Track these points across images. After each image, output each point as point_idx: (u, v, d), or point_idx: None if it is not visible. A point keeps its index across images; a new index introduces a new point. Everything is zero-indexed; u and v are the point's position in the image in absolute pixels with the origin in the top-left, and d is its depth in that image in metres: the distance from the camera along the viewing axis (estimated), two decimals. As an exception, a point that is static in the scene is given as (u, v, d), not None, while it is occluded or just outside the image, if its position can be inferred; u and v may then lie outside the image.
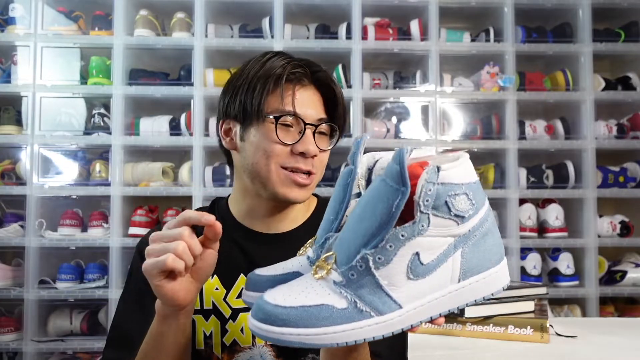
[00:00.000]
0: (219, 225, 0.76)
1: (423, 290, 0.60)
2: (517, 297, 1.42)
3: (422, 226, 0.58)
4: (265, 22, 2.57)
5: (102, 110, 2.53)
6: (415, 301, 0.60)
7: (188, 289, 0.77)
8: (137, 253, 1.01)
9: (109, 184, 2.46)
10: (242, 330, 0.96)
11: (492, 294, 0.63)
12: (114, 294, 2.37)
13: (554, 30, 2.70)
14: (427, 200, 0.58)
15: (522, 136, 2.60)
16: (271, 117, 0.92)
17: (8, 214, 2.51)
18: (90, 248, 2.47)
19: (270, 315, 0.60)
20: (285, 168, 0.92)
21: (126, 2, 2.52)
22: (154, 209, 2.54)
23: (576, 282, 2.55)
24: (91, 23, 2.60)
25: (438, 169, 0.58)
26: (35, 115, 2.46)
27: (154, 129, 2.54)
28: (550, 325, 1.37)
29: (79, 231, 2.49)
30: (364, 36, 2.57)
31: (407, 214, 0.59)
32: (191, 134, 2.50)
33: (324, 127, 0.96)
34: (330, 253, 0.63)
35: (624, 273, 2.56)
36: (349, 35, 2.56)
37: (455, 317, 1.39)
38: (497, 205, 2.60)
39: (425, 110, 2.62)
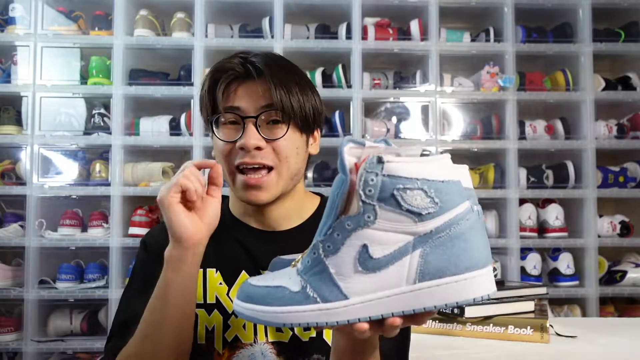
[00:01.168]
0: (219, 166, 0.88)
1: (373, 286, 0.59)
2: (517, 297, 1.42)
3: (369, 217, 0.58)
4: (265, 22, 2.57)
5: (102, 110, 2.53)
6: (363, 295, 0.59)
7: (198, 226, 0.84)
8: (142, 247, 1.02)
9: (109, 184, 2.46)
10: (244, 326, 0.97)
11: (456, 303, 0.59)
12: (114, 294, 2.37)
13: (554, 30, 2.70)
14: (369, 190, 0.57)
15: (522, 136, 2.60)
16: (210, 118, 0.94)
17: (8, 214, 2.51)
18: (90, 248, 2.47)
19: (243, 292, 0.65)
20: (238, 168, 0.92)
21: (126, 2, 2.52)
22: (154, 209, 2.54)
23: (576, 282, 2.55)
24: (91, 23, 2.60)
25: (380, 159, 0.57)
26: (35, 115, 2.46)
27: (154, 129, 2.54)
28: (550, 325, 1.37)
29: (79, 231, 2.49)
30: (364, 36, 2.57)
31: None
32: (191, 134, 2.50)
33: (273, 116, 0.92)
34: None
35: (624, 273, 2.56)
36: (349, 35, 2.56)
37: (455, 317, 1.39)
38: (497, 205, 2.60)
39: (425, 110, 2.62)
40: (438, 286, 0.58)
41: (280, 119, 0.92)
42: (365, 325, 0.60)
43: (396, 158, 0.58)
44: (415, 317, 0.61)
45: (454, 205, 0.59)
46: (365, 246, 0.59)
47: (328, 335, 0.95)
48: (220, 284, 0.98)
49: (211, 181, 0.88)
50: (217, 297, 0.98)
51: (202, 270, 0.96)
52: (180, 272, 0.84)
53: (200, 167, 0.86)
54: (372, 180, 0.57)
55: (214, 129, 0.95)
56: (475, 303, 0.61)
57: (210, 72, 0.96)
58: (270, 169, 0.92)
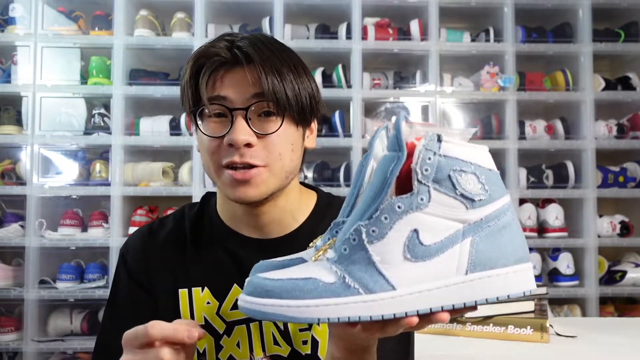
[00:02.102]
0: (202, 333, 0.68)
1: (422, 275, 0.54)
2: (517, 297, 1.42)
3: (422, 199, 0.54)
4: (265, 22, 2.57)
5: (102, 110, 2.53)
6: (412, 285, 0.54)
7: None
8: (122, 262, 0.95)
9: (109, 184, 2.46)
10: (238, 344, 0.89)
11: (508, 296, 0.56)
12: (114, 294, 2.37)
13: (554, 30, 2.70)
14: (425, 170, 0.54)
15: (522, 136, 2.60)
16: (194, 110, 0.84)
17: (8, 214, 2.51)
18: (91, 248, 2.47)
19: (257, 287, 0.56)
20: (227, 166, 0.81)
21: (126, 2, 2.52)
22: (154, 209, 2.54)
23: (576, 282, 2.55)
24: (91, 23, 2.60)
25: (439, 137, 0.55)
26: (35, 115, 2.46)
27: (154, 129, 2.54)
28: (550, 325, 1.37)
29: (79, 231, 2.49)
30: (364, 36, 2.57)
31: (410, 188, 0.55)
32: (191, 134, 2.50)
33: (265, 107, 0.81)
34: (335, 239, 0.60)
35: (624, 273, 2.56)
36: (349, 35, 2.56)
37: (455, 317, 1.39)
38: (497, 205, 2.60)
39: (425, 110, 2.62)
40: (489, 277, 0.55)
41: (274, 111, 0.81)
42: (415, 319, 0.55)
43: (454, 139, 0.55)
44: (457, 311, 0.57)
45: (500, 195, 0.57)
46: (415, 231, 0.54)
47: (323, 352, 0.88)
48: (209, 302, 0.89)
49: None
50: (205, 318, 0.89)
51: (186, 290, 0.90)
52: None
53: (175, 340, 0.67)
54: (430, 159, 0.54)
55: (198, 122, 0.84)
56: (487, 303, 0.56)
57: (193, 57, 0.84)
58: (252, 165, 0.81)
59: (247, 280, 0.59)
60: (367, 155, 0.63)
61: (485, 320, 1.38)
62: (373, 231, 0.55)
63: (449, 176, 0.54)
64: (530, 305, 1.44)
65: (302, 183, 0.98)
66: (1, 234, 2.41)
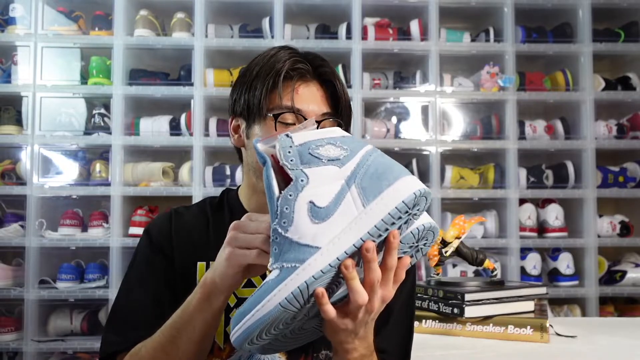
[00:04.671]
0: None
1: (334, 226, 0.65)
2: (517, 297, 1.42)
3: (302, 180, 0.67)
4: (265, 22, 2.57)
5: (102, 110, 2.53)
6: (330, 236, 0.64)
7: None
8: (146, 236, 1.00)
9: (109, 184, 2.46)
10: None
11: (403, 202, 0.65)
12: (114, 294, 2.35)
13: (554, 30, 2.70)
14: (291, 160, 0.68)
15: (522, 136, 2.60)
16: (270, 115, 0.91)
17: (8, 214, 2.51)
18: (91, 248, 2.47)
19: (236, 317, 0.67)
20: None
21: (126, 2, 2.52)
22: (154, 209, 2.54)
23: (576, 282, 2.55)
24: (91, 23, 2.60)
25: (287, 135, 0.71)
26: (35, 115, 2.46)
27: (154, 129, 2.54)
28: (550, 325, 1.37)
29: (79, 231, 2.49)
30: (364, 36, 2.57)
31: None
32: (191, 134, 2.50)
33: (327, 123, 0.92)
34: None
35: (624, 273, 2.56)
36: (349, 35, 2.56)
37: (455, 317, 1.39)
38: (497, 205, 2.61)
39: (425, 110, 2.62)
40: (382, 199, 0.65)
41: (335, 126, 0.91)
42: (349, 262, 0.63)
43: (298, 131, 0.71)
44: (388, 251, 0.66)
45: (360, 147, 0.70)
46: (311, 202, 0.66)
47: None
48: None
49: None
50: None
51: (204, 263, 0.95)
52: (214, 305, 0.80)
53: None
54: (289, 152, 0.69)
55: (264, 122, 0.92)
56: (394, 220, 0.65)
57: (271, 66, 0.93)
58: None
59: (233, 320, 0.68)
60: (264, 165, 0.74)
61: (485, 320, 1.38)
62: (284, 222, 0.66)
63: (310, 154, 0.69)
64: (530, 305, 1.44)
65: None
66: (1, 234, 2.41)
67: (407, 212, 0.65)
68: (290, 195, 0.66)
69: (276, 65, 0.92)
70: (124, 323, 0.92)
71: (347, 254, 0.64)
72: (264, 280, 0.67)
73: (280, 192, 0.67)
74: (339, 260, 0.64)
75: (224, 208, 1.03)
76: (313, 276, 0.63)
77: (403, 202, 0.64)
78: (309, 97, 0.92)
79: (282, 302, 0.63)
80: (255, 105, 0.92)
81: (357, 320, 0.69)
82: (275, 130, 0.90)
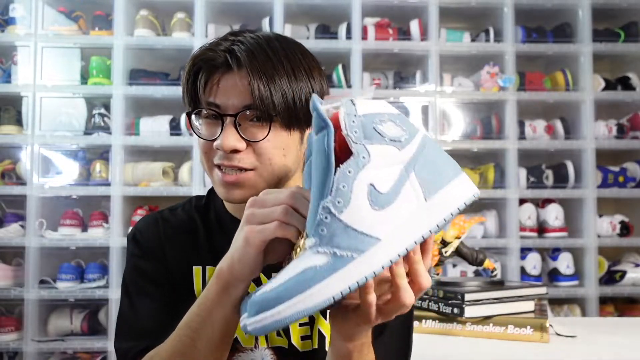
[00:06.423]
0: None
1: (394, 216, 0.60)
2: (517, 297, 1.42)
3: (364, 157, 0.60)
4: (265, 22, 2.57)
5: (103, 110, 2.53)
6: (390, 227, 0.59)
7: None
8: (134, 245, 0.96)
9: (109, 184, 2.46)
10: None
11: (465, 204, 0.62)
12: (114, 293, 2.37)
13: (554, 30, 2.70)
14: (355, 132, 0.60)
15: (522, 136, 2.60)
16: (190, 112, 0.86)
17: (8, 214, 2.51)
18: (91, 248, 2.47)
19: (261, 303, 0.58)
20: (217, 166, 0.84)
21: (126, 2, 2.52)
22: (154, 209, 2.54)
23: (576, 282, 2.55)
24: (91, 23, 2.60)
25: (352, 101, 0.62)
26: (35, 115, 2.46)
27: (154, 129, 2.54)
28: (550, 325, 1.37)
29: (79, 231, 2.49)
30: (364, 36, 2.57)
31: (349, 154, 0.60)
32: (191, 134, 2.50)
33: (253, 115, 0.82)
34: (304, 232, 0.63)
35: (624, 273, 2.56)
36: (349, 36, 2.56)
37: (455, 317, 1.39)
38: (497, 205, 2.61)
39: (425, 110, 2.62)
40: (444, 195, 0.62)
41: (262, 118, 0.82)
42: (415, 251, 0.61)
43: (362, 100, 0.62)
44: (425, 252, 0.64)
45: (416, 131, 0.64)
46: (372, 185, 0.59)
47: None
48: None
49: None
50: None
51: (200, 268, 0.93)
52: (232, 296, 0.73)
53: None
54: (354, 122, 0.60)
55: (195, 122, 0.87)
56: (453, 217, 0.62)
57: (191, 59, 0.86)
58: (241, 169, 0.83)
59: (243, 306, 0.62)
60: (324, 133, 0.65)
61: (485, 320, 1.38)
62: (339, 202, 0.59)
63: (374, 129, 0.61)
64: (530, 305, 1.44)
65: None
66: (1, 234, 2.41)
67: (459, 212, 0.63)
68: (349, 172, 0.59)
69: (195, 60, 0.85)
70: (134, 331, 0.90)
71: (407, 250, 0.59)
72: (301, 264, 0.59)
73: (337, 165, 0.59)
74: (399, 256, 0.59)
75: (210, 210, 0.99)
76: (374, 271, 0.57)
77: (465, 203, 0.62)
78: (230, 89, 0.83)
79: (336, 295, 0.57)
80: (185, 103, 0.88)
81: (388, 316, 0.66)
82: (191, 128, 0.86)
